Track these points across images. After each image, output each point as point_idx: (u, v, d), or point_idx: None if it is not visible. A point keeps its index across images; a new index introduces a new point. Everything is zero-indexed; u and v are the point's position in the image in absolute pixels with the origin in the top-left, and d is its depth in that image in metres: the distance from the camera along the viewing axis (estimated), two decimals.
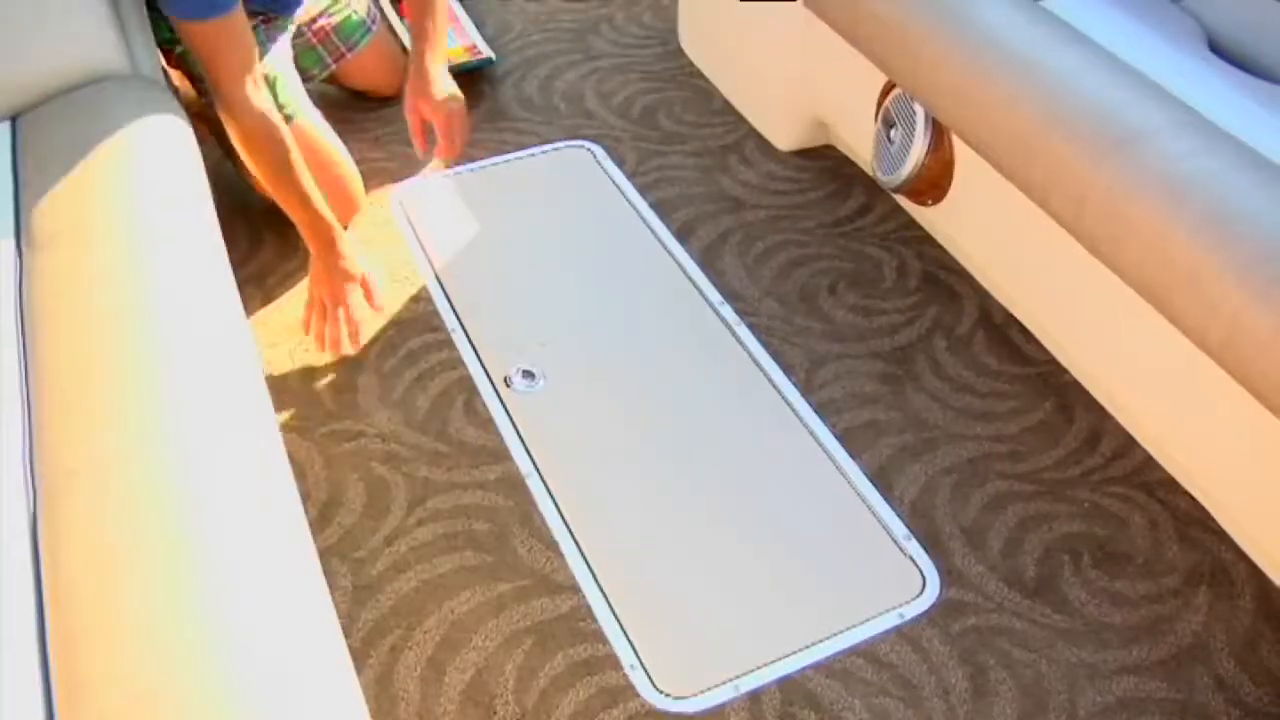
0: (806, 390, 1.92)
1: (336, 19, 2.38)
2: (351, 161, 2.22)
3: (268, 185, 1.94)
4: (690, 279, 2.13)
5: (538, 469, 1.79)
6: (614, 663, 1.54)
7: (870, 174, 2.28)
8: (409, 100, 2.07)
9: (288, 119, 2.05)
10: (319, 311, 1.97)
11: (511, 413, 1.87)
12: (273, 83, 2.08)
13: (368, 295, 2.00)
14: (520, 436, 1.84)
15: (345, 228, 2.19)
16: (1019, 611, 1.60)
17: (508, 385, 1.92)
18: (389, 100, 2.58)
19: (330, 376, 1.94)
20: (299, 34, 2.30)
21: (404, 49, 2.68)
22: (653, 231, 2.24)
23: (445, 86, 2.06)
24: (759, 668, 1.54)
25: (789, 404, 1.89)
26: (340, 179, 2.18)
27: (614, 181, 2.36)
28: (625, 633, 1.58)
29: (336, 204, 2.11)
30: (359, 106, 2.57)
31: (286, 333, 2.03)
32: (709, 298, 2.09)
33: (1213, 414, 1.62)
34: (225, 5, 1.79)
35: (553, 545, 1.68)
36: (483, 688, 1.51)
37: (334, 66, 2.42)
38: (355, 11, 2.41)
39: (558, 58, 2.77)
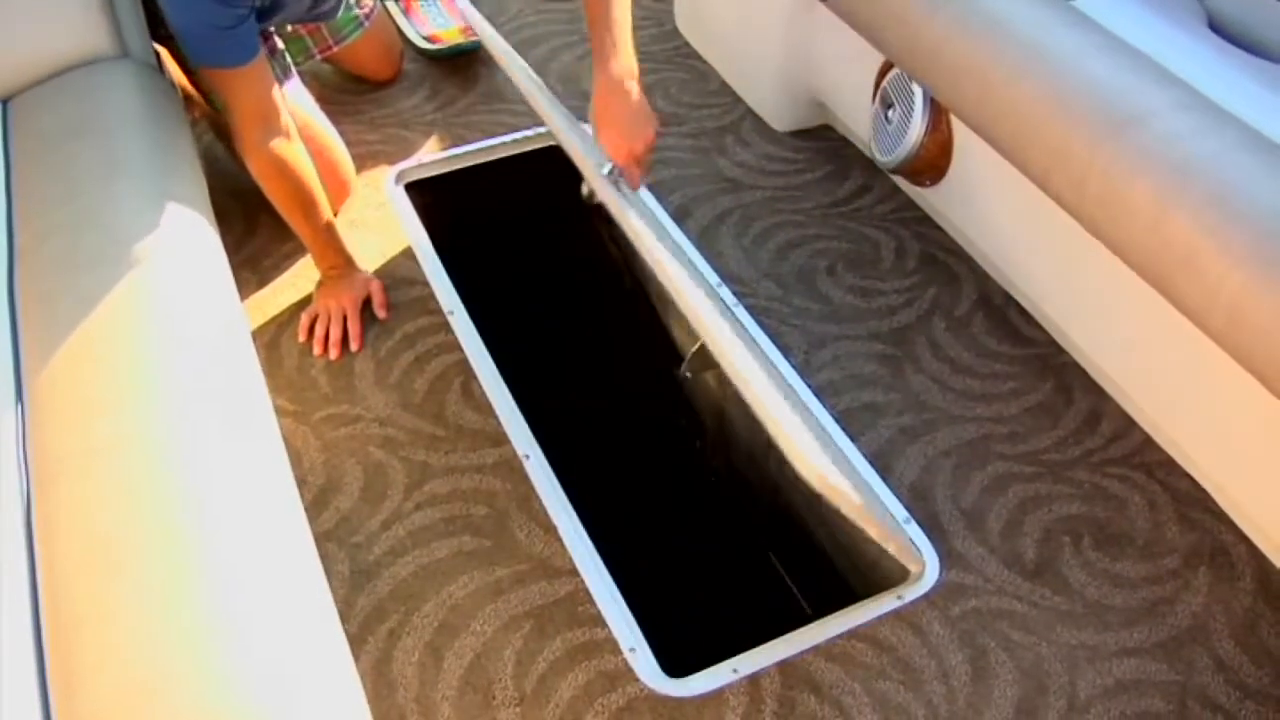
0: (805, 372, 1.91)
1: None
2: (343, 146, 2.21)
3: (282, 214, 1.95)
4: (688, 260, 2.11)
5: (535, 452, 1.78)
6: (613, 646, 1.53)
7: (868, 154, 2.27)
8: (599, 132, 1.74)
9: None
10: (322, 318, 1.97)
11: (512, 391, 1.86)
12: None
13: (378, 305, 2.02)
14: (518, 419, 1.83)
15: (336, 213, 2.18)
16: (1019, 594, 1.60)
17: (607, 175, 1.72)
18: (384, 84, 2.57)
19: (326, 360, 1.93)
20: (282, 30, 2.28)
21: (400, 33, 2.67)
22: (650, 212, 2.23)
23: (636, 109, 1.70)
24: (758, 651, 1.53)
25: (788, 385, 1.88)
26: (332, 164, 2.16)
27: None
28: (624, 616, 1.57)
29: (328, 189, 2.11)
30: (354, 89, 2.56)
31: (281, 316, 2.01)
32: (706, 279, 2.08)
33: (1213, 395, 1.62)
34: (243, 58, 1.80)
35: (551, 529, 1.67)
36: (481, 672, 1.51)
37: (318, 57, 2.41)
38: (351, 6, 2.39)
39: (554, 39, 2.75)
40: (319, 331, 1.96)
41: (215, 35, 1.76)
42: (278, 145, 1.87)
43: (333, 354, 1.94)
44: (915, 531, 1.67)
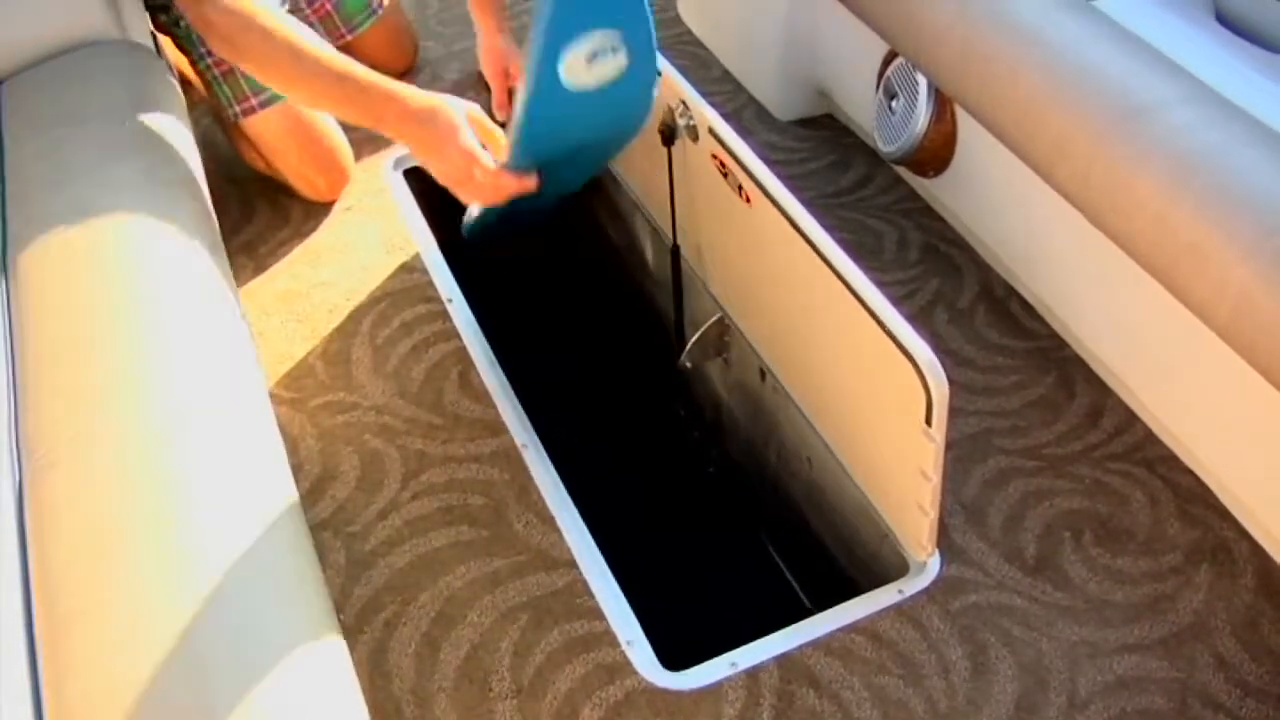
0: None
1: None
2: (341, 132, 2.19)
3: (275, 85, 1.65)
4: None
5: (533, 442, 1.77)
6: (611, 639, 1.52)
7: (871, 145, 2.26)
8: (495, 64, 1.85)
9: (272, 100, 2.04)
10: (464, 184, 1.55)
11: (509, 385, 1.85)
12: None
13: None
14: (516, 408, 1.82)
15: (335, 200, 2.17)
16: (1019, 589, 1.59)
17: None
18: (398, 76, 2.54)
19: (323, 348, 1.92)
20: (297, 9, 2.26)
21: (411, 26, 2.64)
22: None
23: None
24: (757, 645, 1.52)
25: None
26: (330, 150, 2.15)
27: None
28: (622, 609, 1.56)
29: (324, 175, 2.10)
30: None
31: (278, 303, 2.00)
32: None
33: (1217, 390, 1.61)
34: None
35: (549, 520, 1.66)
36: (478, 664, 1.50)
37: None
38: None
39: None
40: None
41: None
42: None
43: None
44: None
